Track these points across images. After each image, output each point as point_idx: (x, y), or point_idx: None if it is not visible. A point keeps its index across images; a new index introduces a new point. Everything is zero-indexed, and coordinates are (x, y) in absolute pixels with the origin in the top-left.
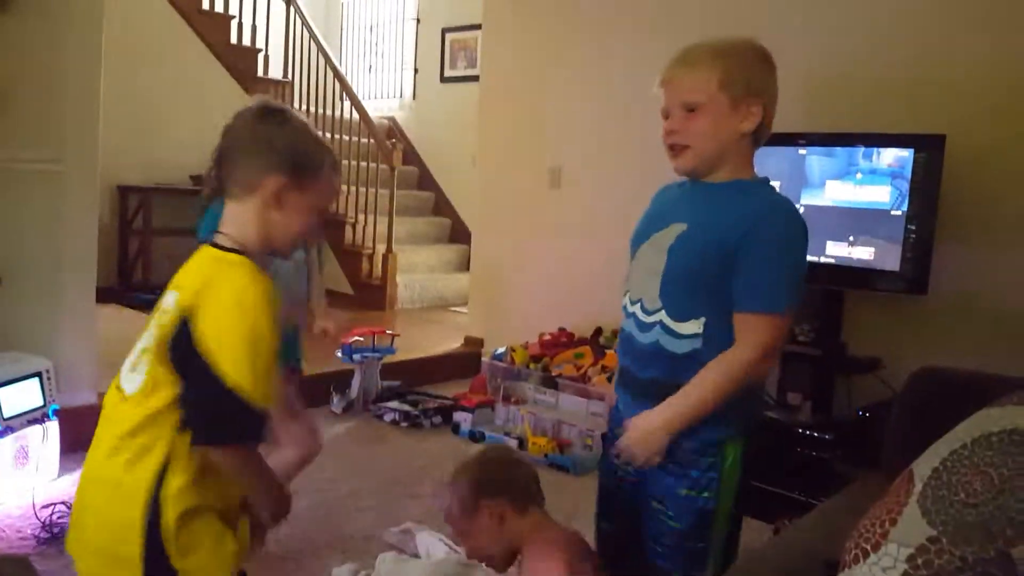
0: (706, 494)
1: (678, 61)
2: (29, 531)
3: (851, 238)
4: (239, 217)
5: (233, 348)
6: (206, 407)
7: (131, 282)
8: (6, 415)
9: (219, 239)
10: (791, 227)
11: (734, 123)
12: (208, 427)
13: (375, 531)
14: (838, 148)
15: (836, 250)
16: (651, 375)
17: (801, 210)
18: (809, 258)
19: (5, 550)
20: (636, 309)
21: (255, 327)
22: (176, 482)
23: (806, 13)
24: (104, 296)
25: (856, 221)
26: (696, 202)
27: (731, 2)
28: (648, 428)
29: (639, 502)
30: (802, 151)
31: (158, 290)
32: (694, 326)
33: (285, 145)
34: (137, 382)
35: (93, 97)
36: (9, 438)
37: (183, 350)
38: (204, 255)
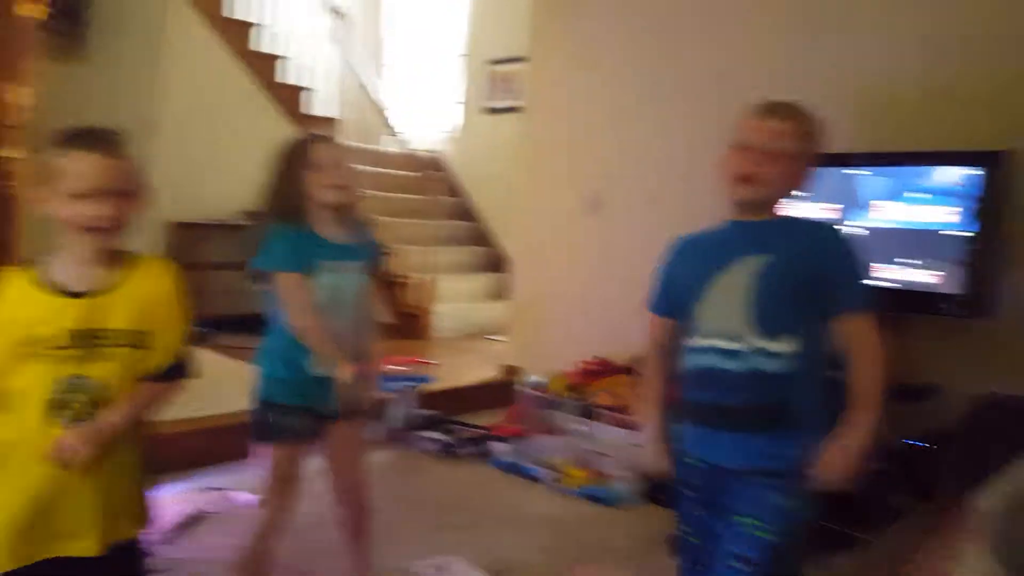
0: (801, 504)
1: (772, 108)
2: None
3: (904, 260)
4: None
5: None
6: None
7: None
8: None
9: None
10: (845, 237)
11: (797, 180)
12: None
13: (410, 562)
14: (889, 167)
15: (887, 273)
16: (751, 401)
17: (850, 232)
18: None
19: None
20: (718, 342)
21: None
22: None
23: (853, 29)
24: None
25: (909, 242)
26: (768, 236)
27: (776, 23)
28: (849, 453)
29: (710, 532)
30: (851, 171)
31: (213, 322)
32: (788, 343)
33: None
34: None
35: (150, 137)
36: None
37: None
38: None
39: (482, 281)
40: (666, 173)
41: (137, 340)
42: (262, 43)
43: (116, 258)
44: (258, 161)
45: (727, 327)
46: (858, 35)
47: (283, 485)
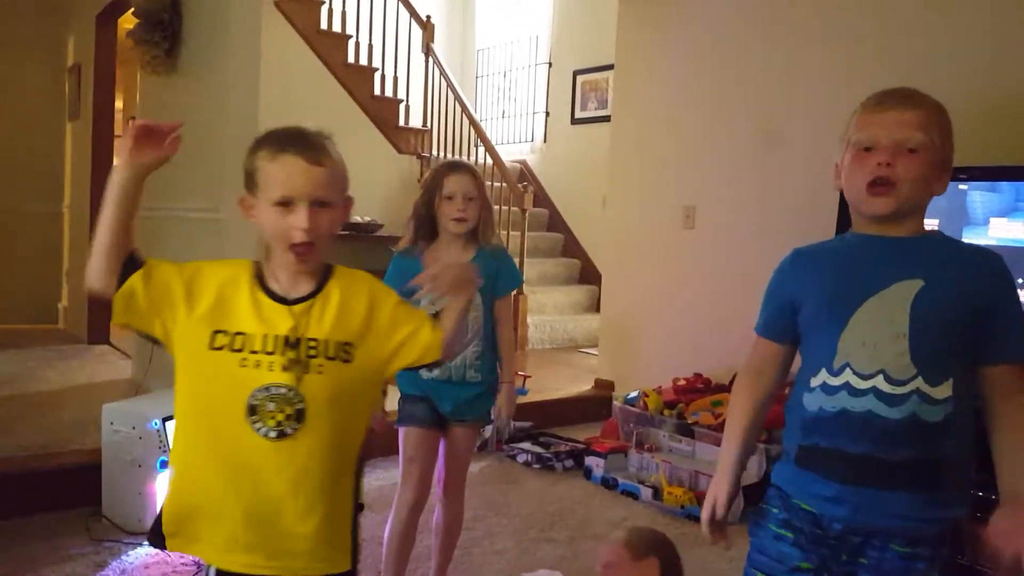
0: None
1: (902, 96)
2: (190, 557)
3: (1021, 280)
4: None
5: None
6: None
7: None
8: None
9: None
10: (1004, 264)
11: (936, 179)
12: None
13: (511, 574)
14: (1004, 183)
15: None
16: (907, 455)
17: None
18: None
19: (169, 574)
20: (877, 382)
21: (177, 265)
22: None
23: (962, 38)
24: None
25: None
26: (920, 255)
27: (879, 32)
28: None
29: None
30: (963, 186)
31: None
32: (947, 389)
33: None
34: None
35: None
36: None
37: None
38: None
39: (575, 293)
40: (764, 184)
41: (344, 353)
42: (357, 56)
43: (319, 268)
44: (356, 173)
45: (890, 365)
46: (968, 39)
47: (409, 466)
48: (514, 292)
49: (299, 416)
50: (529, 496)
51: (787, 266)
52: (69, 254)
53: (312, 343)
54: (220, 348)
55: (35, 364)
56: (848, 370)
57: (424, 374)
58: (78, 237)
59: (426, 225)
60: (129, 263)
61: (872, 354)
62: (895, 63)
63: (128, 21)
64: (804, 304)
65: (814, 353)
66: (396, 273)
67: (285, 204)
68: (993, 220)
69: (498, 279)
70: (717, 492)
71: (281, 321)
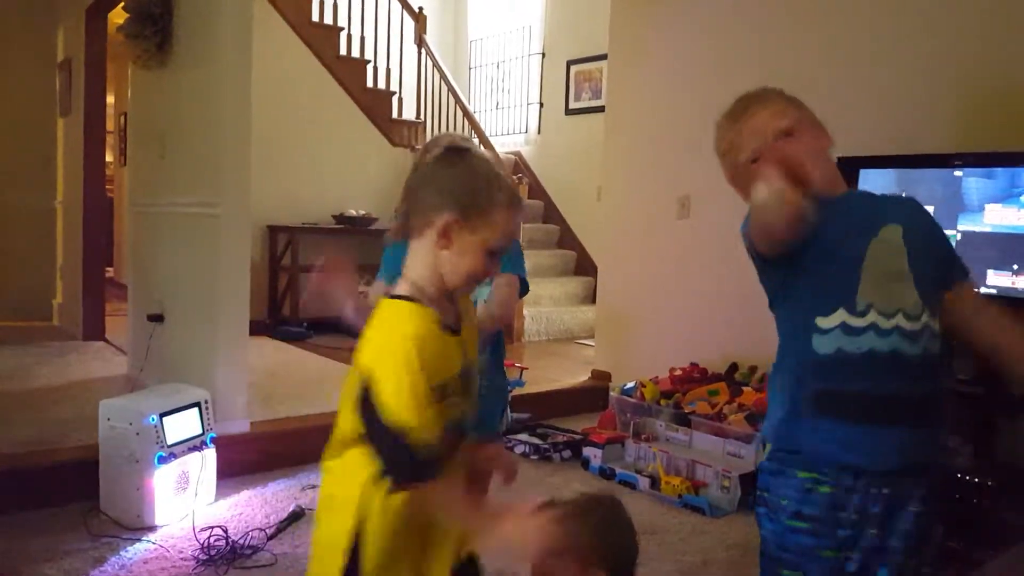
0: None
1: (747, 102)
2: (190, 552)
3: (1016, 267)
4: (415, 255)
5: (386, 391)
6: (383, 452)
7: (279, 316)
8: (169, 442)
9: (396, 286)
10: None
11: (816, 139)
12: (389, 467)
13: (508, 567)
14: (999, 169)
15: (998, 280)
16: (926, 390)
17: (958, 237)
18: None
19: (168, 569)
20: (899, 320)
21: (409, 365)
22: (370, 530)
23: (958, 25)
24: (254, 329)
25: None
26: (880, 206)
27: (876, 20)
28: None
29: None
30: (957, 173)
31: (304, 324)
32: (937, 321)
33: (456, 183)
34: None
35: (245, 144)
36: (172, 464)
37: (366, 404)
38: (381, 306)
39: (570, 285)
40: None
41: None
42: (350, 48)
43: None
44: (350, 166)
45: (905, 303)
46: (964, 26)
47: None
48: (514, 278)
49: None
50: (526, 487)
51: None
52: (63, 250)
53: (474, 371)
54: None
55: (30, 361)
56: (873, 311)
57: None
58: (71, 233)
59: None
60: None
61: (890, 293)
62: (891, 50)
63: (118, 15)
64: (816, 234)
65: (827, 292)
66: (391, 263)
67: (493, 253)
68: (988, 206)
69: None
70: None
71: (458, 354)
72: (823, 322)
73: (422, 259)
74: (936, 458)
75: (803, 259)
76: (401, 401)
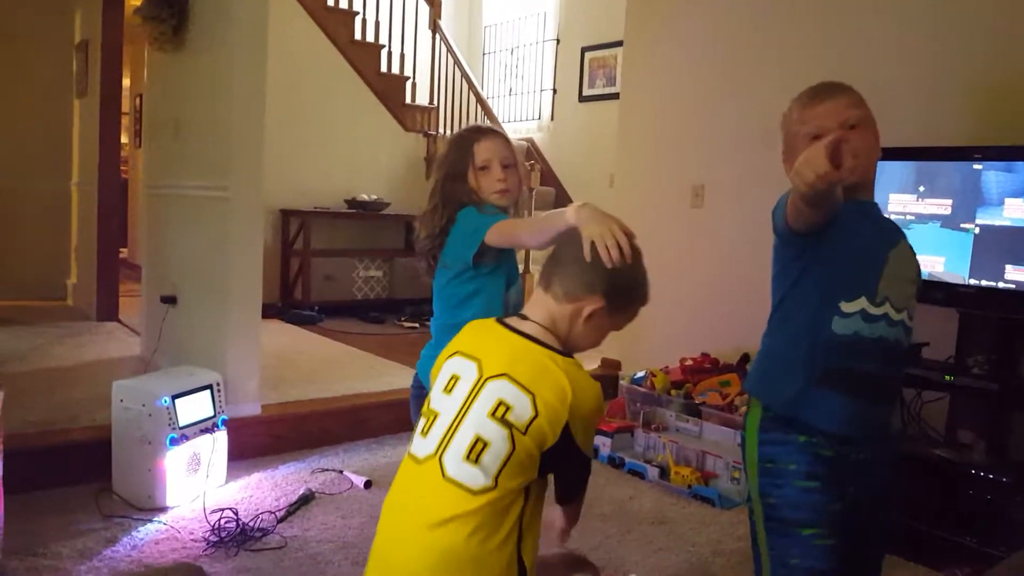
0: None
1: (830, 89)
2: (200, 534)
3: None
4: (555, 315)
5: (590, 435)
6: (578, 479)
7: (291, 299)
8: (181, 424)
9: (541, 334)
10: None
11: (878, 148)
12: (577, 490)
13: None
14: (1020, 163)
15: (1017, 275)
16: (903, 375)
17: (976, 231)
18: (984, 283)
19: (179, 550)
20: (904, 317)
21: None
22: (528, 548)
23: (978, 17)
24: (266, 312)
25: None
26: (888, 223)
27: (896, 10)
28: None
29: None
30: (977, 166)
31: (316, 306)
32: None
33: (620, 280)
34: (479, 480)
35: (258, 127)
36: (184, 446)
37: (560, 452)
38: (539, 353)
39: None
40: (773, 163)
41: None
42: (364, 32)
43: None
44: (362, 151)
45: (909, 304)
46: (984, 18)
47: None
48: None
49: None
50: None
51: None
52: (77, 231)
53: None
54: None
55: (44, 341)
56: (888, 304)
57: None
58: (86, 214)
59: (458, 208)
60: None
61: (901, 292)
62: (911, 41)
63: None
64: (847, 227)
65: (852, 280)
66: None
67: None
68: (1008, 200)
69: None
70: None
71: None
72: (846, 307)
73: (562, 322)
74: (894, 428)
75: (828, 244)
76: (590, 445)
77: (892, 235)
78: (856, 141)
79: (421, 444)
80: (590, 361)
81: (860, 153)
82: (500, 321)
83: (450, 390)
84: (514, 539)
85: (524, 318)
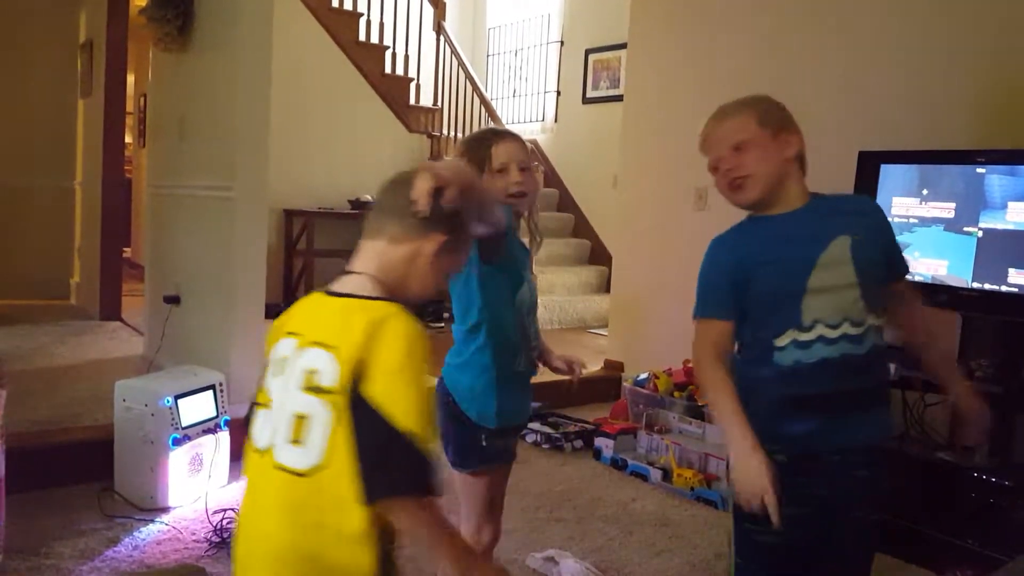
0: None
1: (712, 119)
2: (202, 534)
3: None
4: (387, 261)
5: (407, 398)
6: (383, 458)
7: (294, 299)
8: (184, 424)
9: (358, 286)
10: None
11: (779, 150)
12: (389, 478)
13: (518, 555)
14: (1023, 167)
15: (1020, 279)
16: (874, 380)
17: (980, 234)
18: (987, 287)
19: (181, 551)
20: (845, 328)
21: (422, 375)
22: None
23: (982, 21)
24: (270, 312)
25: None
26: (830, 215)
27: (898, 16)
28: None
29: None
30: (980, 170)
31: None
32: (878, 317)
33: (458, 211)
34: (308, 460)
35: (262, 127)
36: (186, 446)
37: (354, 412)
38: (349, 307)
39: (584, 274)
40: None
41: None
42: (368, 33)
43: None
44: (366, 151)
45: (850, 311)
46: (988, 22)
47: (492, 508)
48: None
49: None
50: (538, 476)
51: (720, 252)
52: (81, 230)
53: None
54: None
55: (47, 340)
56: (819, 325)
57: (518, 368)
58: (90, 213)
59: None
60: None
61: (836, 306)
62: (914, 44)
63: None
64: (756, 275)
65: (776, 318)
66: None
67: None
68: (1011, 204)
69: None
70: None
71: None
72: (779, 341)
73: (394, 267)
74: (884, 435)
75: (747, 297)
76: (415, 416)
77: (816, 244)
78: (745, 161)
79: (259, 435)
80: (592, 363)
81: (750, 171)
82: (325, 289)
83: (276, 373)
84: (367, 522)
85: (349, 274)
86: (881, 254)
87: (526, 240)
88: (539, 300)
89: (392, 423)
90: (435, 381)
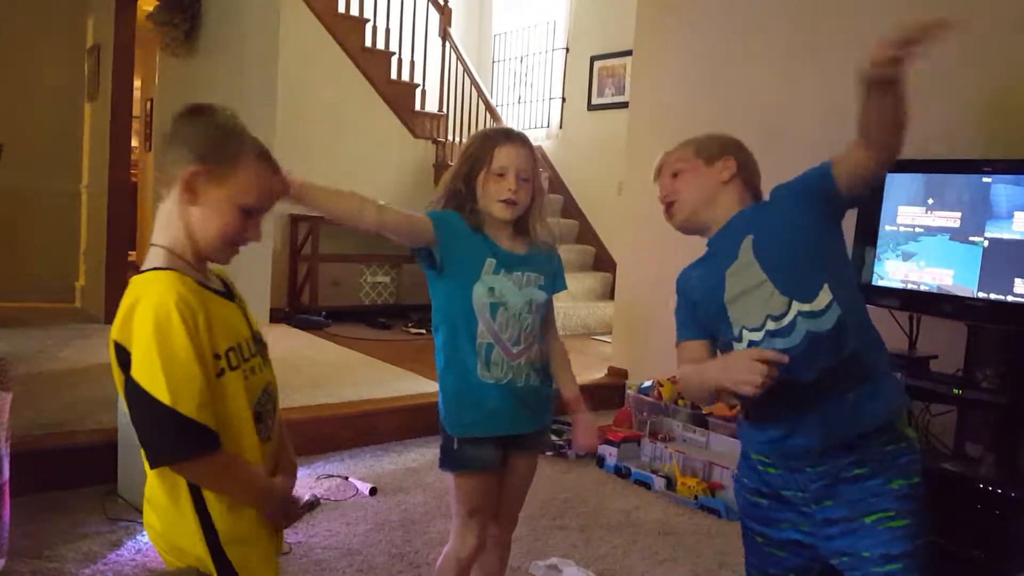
0: (916, 478)
1: (664, 155)
2: None
3: None
4: (163, 218)
5: (151, 364)
6: (149, 430)
7: (299, 304)
8: None
9: (147, 260)
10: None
11: (712, 175)
12: (152, 448)
13: (521, 563)
14: None
15: None
16: (822, 368)
17: (985, 244)
18: (993, 297)
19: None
20: (768, 325)
21: (168, 338)
22: (215, 504)
23: (986, 25)
24: (274, 317)
25: None
26: (737, 229)
27: (893, 27)
28: None
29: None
30: (986, 179)
31: (323, 311)
32: (825, 295)
33: (198, 135)
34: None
35: (268, 132)
36: None
37: (128, 390)
38: (130, 284)
39: (589, 280)
40: (780, 173)
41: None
42: (375, 40)
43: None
44: (371, 157)
45: (769, 306)
46: (993, 30)
47: (470, 518)
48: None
49: (275, 407)
50: (541, 484)
51: (680, 287)
52: (86, 234)
53: (261, 334)
54: (221, 373)
55: (53, 343)
56: (744, 331)
57: (483, 375)
58: (95, 217)
59: (465, 206)
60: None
61: (753, 307)
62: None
63: (148, 2)
64: (696, 299)
65: (722, 335)
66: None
67: (249, 213)
68: (1017, 214)
69: (555, 279)
70: None
71: (239, 318)
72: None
73: (172, 220)
74: (866, 424)
75: (699, 311)
76: (161, 381)
77: (730, 251)
78: (676, 186)
79: None
80: (596, 370)
81: (677, 196)
82: None
83: None
84: (166, 487)
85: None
86: (805, 221)
87: (516, 244)
88: None
89: (152, 397)
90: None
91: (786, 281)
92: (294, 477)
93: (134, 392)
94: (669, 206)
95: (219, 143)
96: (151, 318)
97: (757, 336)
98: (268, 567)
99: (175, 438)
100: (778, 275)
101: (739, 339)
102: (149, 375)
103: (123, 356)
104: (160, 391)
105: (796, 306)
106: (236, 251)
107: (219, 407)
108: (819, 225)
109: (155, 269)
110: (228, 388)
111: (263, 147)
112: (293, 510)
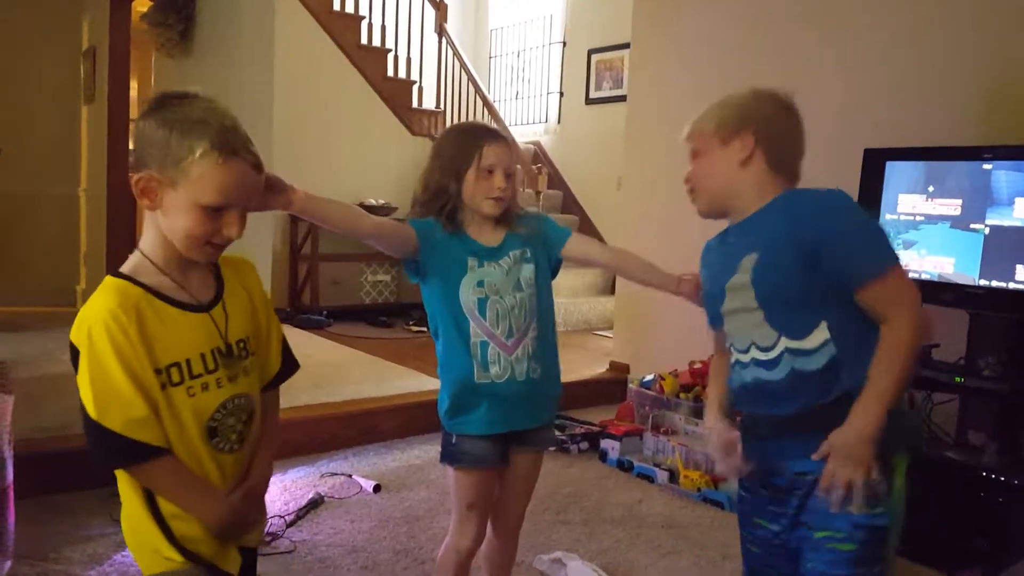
0: (879, 509)
1: (691, 123)
2: None
3: None
4: (146, 221)
5: (83, 375)
6: (89, 441)
7: (300, 303)
8: None
9: (125, 267)
10: (835, 196)
11: (728, 158)
12: (90, 453)
13: (525, 557)
14: None
15: None
16: (796, 407)
17: (986, 231)
18: (995, 284)
19: None
20: (754, 353)
21: (95, 353)
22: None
23: (985, 12)
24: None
25: None
26: (751, 232)
27: (905, 12)
28: (850, 442)
29: (789, 552)
30: (987, 166)
31: (324, 310)
32: (821, 334)
33: (143, 138)
34: None
35: (265, 131)
36: None
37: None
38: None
39: (589, 275)
40: None
41: (253, 347)
42: (371, 36)
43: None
44: (369, 155)
45: (756, 334)
46: (992, 14)
47: (469, 512)
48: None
49: (250, 419)
50: (544, 478)
51: (703, 256)
52: (87, 237)
53: (238, 344)
54: (164, 387)
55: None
56: (733, 349)
57: (481, 377)
58: (95, 220)
59: (451, 204)
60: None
61: (741, 329)
62: (921, 40)
63: (142, 3)
64: (709, 295)
65: (727, 335)
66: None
67: (215, 210)
68: (1018, 200)
69: (548, 238)
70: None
71: (202, 331)
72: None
73: (151, 226)
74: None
75: (709, 307)
76: (87, 393)
77: (730, 265)
78: (694, 171)
79: None
80: (598, 365)
81: (695, 183)
82: None
83: None
84: (141, 495)
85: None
86: (805, 263)
87: (495, 234)
88: None
89: (83, 406)
90: None
91: (779, 316)
92: (259, 490)
93: (78, 395)
94: (690, 191)
95: (163, 144)
96: (85, 330)
97: (744, 358)
98: (227, 557)
99: (105, 450)
100: (771, 307)
101: (729, 352)
102: (82, 386)
103: (75, 358)
104: (88, 404)
105: (784, 341)
106: (216, 250)
107: (166, 417)
108: (819, 271)
109: (114, 275)
110: (174, 401)
111: (229, 138)
112: (239, 529)
